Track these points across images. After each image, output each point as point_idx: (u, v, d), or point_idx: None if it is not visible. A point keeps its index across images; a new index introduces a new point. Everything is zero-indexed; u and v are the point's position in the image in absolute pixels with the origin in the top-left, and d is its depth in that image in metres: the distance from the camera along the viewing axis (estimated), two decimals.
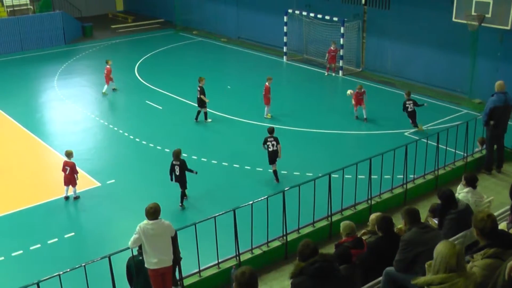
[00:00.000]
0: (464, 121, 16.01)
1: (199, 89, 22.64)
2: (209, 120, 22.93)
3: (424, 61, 26.29)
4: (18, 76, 29.62)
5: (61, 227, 15.56)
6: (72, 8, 39.89)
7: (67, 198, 17.03)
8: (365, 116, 22.51)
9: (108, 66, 26.25)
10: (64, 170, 16.82)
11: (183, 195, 16.62)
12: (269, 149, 17.62)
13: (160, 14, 42.82)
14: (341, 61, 28.47)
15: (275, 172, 17.84)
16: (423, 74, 26.39)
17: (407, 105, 21.20)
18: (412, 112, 21.16)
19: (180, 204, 16.54)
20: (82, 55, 33.86)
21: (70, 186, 16.99)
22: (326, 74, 28.51)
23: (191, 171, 16.42)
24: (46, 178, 18.83)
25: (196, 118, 23.01)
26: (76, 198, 17.12)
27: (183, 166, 16.31)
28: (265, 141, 17.72)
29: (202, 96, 22.52)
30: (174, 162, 16.43)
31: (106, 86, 26.62)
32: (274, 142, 17.64)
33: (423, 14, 25.73)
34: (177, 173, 16.35)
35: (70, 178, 16.83)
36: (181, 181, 16.43)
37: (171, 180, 16.49)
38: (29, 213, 16.37)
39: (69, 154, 17.06)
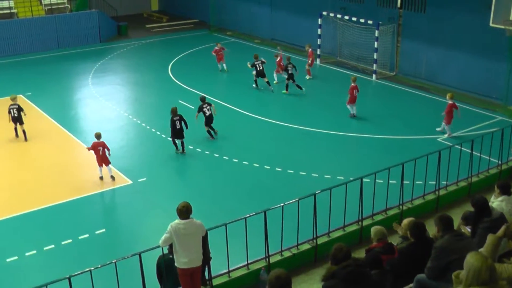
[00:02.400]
0: (499, 128, 15.78)
1: (264, 61, 26.37)
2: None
3: (459, 66, 25.96)
4: (54, 73, 30.06)
5: (93, 223, 15.74)
6: (108, 7, 40.33)
7: (102, 177, 18.14)
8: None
9: (216, 48, 29.16)
10: (97, 151, 17.85)
11: (183, 144, 19.79)
12: (206, 114, 20.93)
13: (195, 15, 43.05)
14: (374, 65, 28.26)
15: (208, 131, 21.21)
16: (458, 79, 26.04)
17: (288, 68, 25.42)
18: (291, 74, 25.39)
19: (183, 151, 19.82)
20: (116, 53, 34.20)
21: (104, 167, 18.10)
22: (308, 78, 28.54)
23: (185, 122, 19.69)
24: (79, 174, 19.05)
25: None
26: (112, 177, 18.13)
27: (183, 119, 19.55)
28: (201, 109, 20.95)
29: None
30: (174, 118, 19.42)
31: (219, 65, 29.71)
32: (209, 107, 21.05)
33: (459, 18, 25.40)
34: (178, 127, 19.42)
35: (103, 157, 17.95)
36: (182, 133, 19.59)
37: (172, 136, 19.65)
38: (61, 209, 16.60)
39: (99, 136, 18.11)
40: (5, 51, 33.37)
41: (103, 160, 18.02)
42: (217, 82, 28.12)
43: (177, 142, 19.84)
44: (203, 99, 21.33)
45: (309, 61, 28.79)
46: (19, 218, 16.11)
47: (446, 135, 20.99)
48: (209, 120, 21.04)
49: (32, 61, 32.48)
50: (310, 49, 28.73)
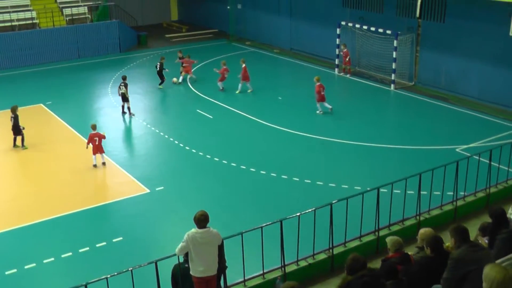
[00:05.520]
0: None
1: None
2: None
3: (478, 76, 25.79)
4: (74, 82, 30.36)
5: (110, 231, 15.85)
6: (128, 17, 40.68)
7: (95, 165, 19.73)
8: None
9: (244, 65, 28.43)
10: (93, 141, 19.63)
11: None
12: (121, 91, 24.55)
13: (214, 24, 43.26)
14: (393, 75, 28.18)
15: (128, 108, 24.81)
16: (477, 89, 25.88)
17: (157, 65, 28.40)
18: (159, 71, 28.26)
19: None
20: (136, 63, 34.47)
21: (98, 155, 19.80)
22: (342, 74, 30.88)
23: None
24: (97, 183, 19.22)
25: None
26: (104, 163, 19.90)
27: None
28: (119, 85, 24.69)
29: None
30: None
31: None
32: (123, 86, 24.46)
33: (479, 28, 25.26)
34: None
35: (99, 147, 19.69)
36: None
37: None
38: (79, 217, 16.72)
39: (94, 127, 19.98)
40: (27, 61, 33.78)
41: (98, 149, 19.68)
42: (235, 92, 28.17)
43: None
44: (124, 78, 24.92)
45: (346, 60, 30.44)
46: (37, 225, 16.26)
47: (318, 112, 24.59)
48: (122, 97, 24.64)
49: (52, 70, 32.84)
50: (345, 49, 30.34)
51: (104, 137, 19.94)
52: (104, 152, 19.95)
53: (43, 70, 32.86)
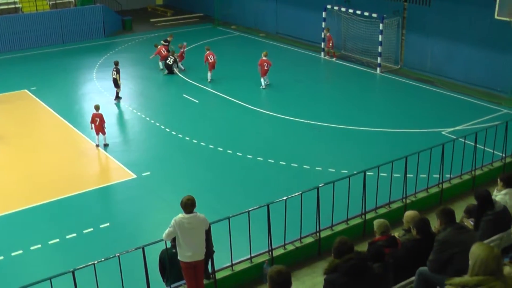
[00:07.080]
0: (503, 121, 15.73)
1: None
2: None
3: (464, 59, 25.85)
4: (58, 67, 30.08)
5: (97, 218, 15.79)
6: (112, 1, 40.28)
7: (97, 145, 20.06)
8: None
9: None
10: (94, 121, 19.90)
11: None
12: (113, 76, 24.36)
13: (199, 9, 42.99)
14: (379, 58, 28.18)
15: (117, 93, 24.75)
16: (463, 72, 25.95)
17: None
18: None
19: None
20: (121, 48, 34.22)
21: (100, 134, 20.01)
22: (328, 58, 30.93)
23: None
24: (83, 169, 19.11)
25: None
26: (106, 145, 20.09)
27: None
28: (112, 70, 24.46)
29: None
30: None
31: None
32: (115, 72, 24.23)
33: (464, 11, 25.29)
34: None
35: (99, 127, 19.87)
36: None
37: None
38: (65, 203, 16.64)
39: (97, 107, 20.17)
40: (10, 46, 33.44)
41: (99, 129, 19.91)
42: (221, 76, 28.04)
43: None
44: (116, 63, 24.72)
45: (330, 44, 30.49)
46: (24, 212, 16.17)
47: (262, 86, 25.56)
48: (113, 82, 24.52)
49: (36, 56, 32.53)
50: (328, 33, 30.33)
51: (103, 121, 20.02)
52: (105, 134, 20.08)
53: (27, 55, 32.53)
